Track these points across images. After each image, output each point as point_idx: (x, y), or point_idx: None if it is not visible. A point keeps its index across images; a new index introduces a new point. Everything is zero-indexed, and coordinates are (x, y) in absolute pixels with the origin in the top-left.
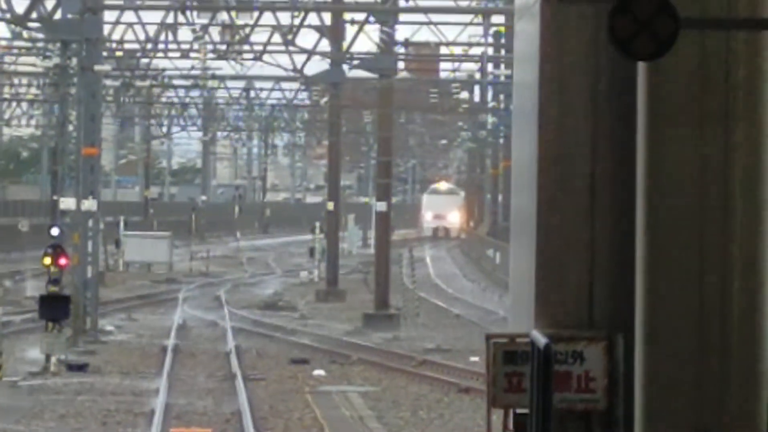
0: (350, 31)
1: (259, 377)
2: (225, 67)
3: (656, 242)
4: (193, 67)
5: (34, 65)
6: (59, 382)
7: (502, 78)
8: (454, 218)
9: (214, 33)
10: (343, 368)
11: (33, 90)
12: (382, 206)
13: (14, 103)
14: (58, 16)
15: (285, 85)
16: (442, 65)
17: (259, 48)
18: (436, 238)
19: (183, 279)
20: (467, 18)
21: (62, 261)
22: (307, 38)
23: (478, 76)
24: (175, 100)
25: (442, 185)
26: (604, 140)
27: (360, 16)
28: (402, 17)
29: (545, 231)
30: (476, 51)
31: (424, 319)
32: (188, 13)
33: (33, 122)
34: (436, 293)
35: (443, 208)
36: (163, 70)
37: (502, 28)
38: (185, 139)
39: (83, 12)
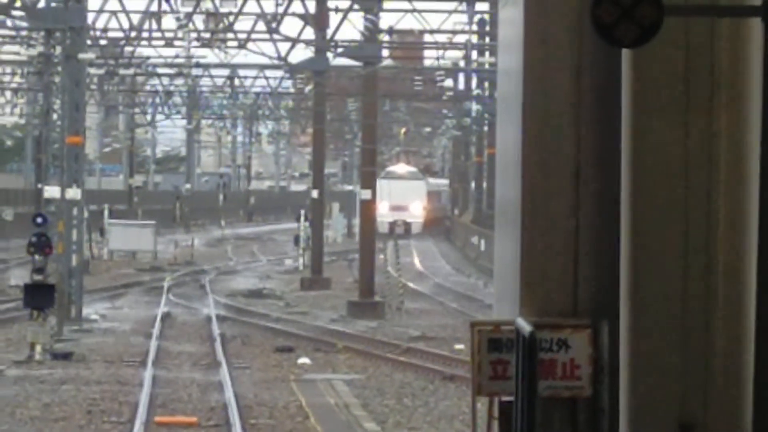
0: (334, 19)
1: (244, 365)
2: (209, 56)
3: (640, 230)
4: (177, 56)
5: (18, 54)
6: (44, 370)
7: (487, 65)
8: (417, 210)
9: (199, 21)
10: (328, 356)
11: (17, 79)
12: (366, 194)
13: None
14: (41, 4)
15: (269, 73)
16: (427, 53)
17: (244, 36)
18: (392, 235)
19: (168, 267)
20: (452, 5)
21: (47, 250)
22: (291, 26)
23: (462, 63)
24: (159, 88)
25: (401, 168)
26: (588, 127)
27: (344, 4)
28: (386, 5)
29: (529, 218)
30: (461, 38)
31: (409, 306)
32: (172, 1)
33: (17, 111)
34: (421, 280)
35: (402, 198)
36: (147, 58)
37: (487, 16)
38: (169, 127)
39: (67, 0)
